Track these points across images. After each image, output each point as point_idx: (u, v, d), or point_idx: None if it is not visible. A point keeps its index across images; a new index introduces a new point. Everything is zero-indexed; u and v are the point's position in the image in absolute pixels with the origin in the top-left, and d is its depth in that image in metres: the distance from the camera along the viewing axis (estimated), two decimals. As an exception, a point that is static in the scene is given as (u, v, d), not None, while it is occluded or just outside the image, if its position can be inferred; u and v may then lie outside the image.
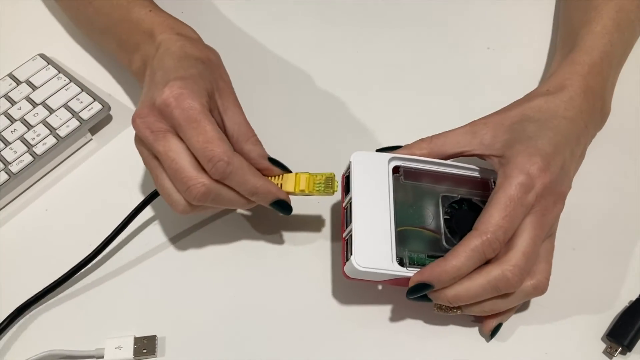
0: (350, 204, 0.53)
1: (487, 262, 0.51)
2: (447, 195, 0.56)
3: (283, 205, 0.55)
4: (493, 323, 0.55)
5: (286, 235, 0.61)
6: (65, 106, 0.67)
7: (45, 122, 0.66)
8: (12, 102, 0.67)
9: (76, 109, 0.66)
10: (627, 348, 0.54)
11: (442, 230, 0.54)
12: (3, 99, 0.68)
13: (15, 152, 0.64)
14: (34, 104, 0.67)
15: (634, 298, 0.57)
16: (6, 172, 0.62)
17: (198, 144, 0.51)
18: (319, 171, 0.56)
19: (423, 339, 0.56)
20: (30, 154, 0.64)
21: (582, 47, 0.59)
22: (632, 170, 0.64)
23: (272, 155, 0.56)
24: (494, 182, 0.56)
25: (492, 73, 0.72)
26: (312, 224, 0.62)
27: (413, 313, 0.57)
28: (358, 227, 0.52)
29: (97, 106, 0.67)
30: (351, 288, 0.57)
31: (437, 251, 0.53)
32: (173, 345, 0.56)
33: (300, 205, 0.57)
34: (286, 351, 0.55)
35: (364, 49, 0.74)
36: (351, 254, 0.51)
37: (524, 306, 0.57)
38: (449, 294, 0.51)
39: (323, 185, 0.55)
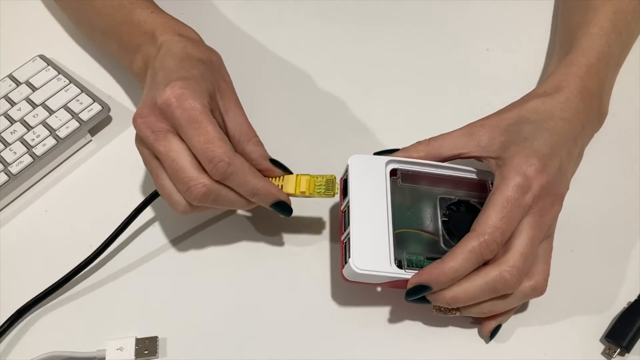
0: (348, 207, 0.53)
1: (486, 264, 0.51)
2: (444, 197, 0.56)
3: (283, 207, 0.55)
4: (492, 324, 0.55)
5: (286, 236, 0.61)
6: (65, 107, 0.67)
7: (45, 123, 0.66)
8: (12, 103, 0.67)
9: (76, 110, 0.67)
10: (626, 349, 0.54)
11: (440, 232, 0.54)
12: (3, 100, 0.68)
13: (15, 153, 0.64)
14: (34, 105, 0.67)
15: (632, 299, 0.57)
16: (6, 173, 0.63)
17: (199, 144, 0.51)
18: (318, 172, 0.56)
19: (422, 340, 0.56)
20: (30, 155, 0.64)
21: (579, 49, 0.59)
22: (631, 171, 0.64)
23: (272, 156, 0.56)
24: (492, 184, 0.56)
25: (490, 74, 0.72)
26: (311, 225, 0.62)
27: (412, 314, 0.57)
28: (356, 230, 0.52)
29: (96, 107, 0.67)
30: (350, 289, 0.57)
31: (435, 253, 0.53)
32: (174, 346, 0.56)
33: (299, 207, 0.58)
34: (286, 352, 0.55)
35: (363, 50, 0.74)
36: (349, 257, 0.51)
37: (522, 307, 0.57)
38: (448, 296, 0.51)
39: (324, 187, 0.55)
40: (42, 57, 0.71)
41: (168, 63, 0.56)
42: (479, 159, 0.55)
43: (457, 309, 0.53)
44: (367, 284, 0.53)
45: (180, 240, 0.62)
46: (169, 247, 0.61)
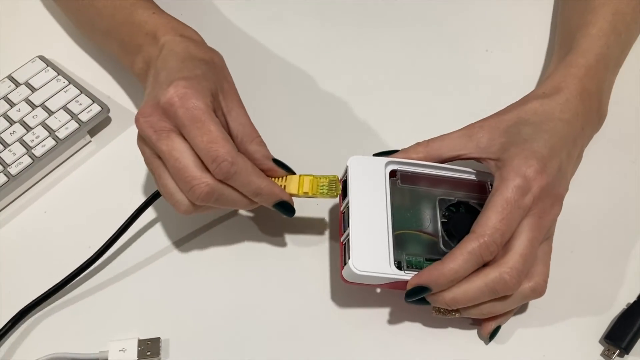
0: (348, 208, 0.53)
1: (485, 265, 0.51)
2: (444, 198, 0.56)
3: (286, 207, 0.55)
4: (492, 326, 0.55)
5: (285, 238, 0.61)
6: (65, 108, 0.67)
7: (44, 124, 0.66)
8: (11, 104, 0.67)
9: (75, 111, 0.67)
10: (625, 350, 0.54)
11: (440, 234, 0.54)
12: (2, 100, 0.68)
13: (14, 154, 0.64)
14: (33, 106, 0.67)
15: (631, 300, 0.57)
16: (5, 174, 0.62)
17: (202, 143, 0.51)
18: (316, 172, 0.56)
19: (422, 341, 0.56)
20: (29, 156, 0.64)
21: (578, 50, 0.59)
22: (631, 172, 0.64)
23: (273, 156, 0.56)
24: (491, 185, 0.56)
25: (490, 75, 0.72)
26: (311, 226, 0.62)
27: (412, 316, 0.57)
28: (355, 231, 0.52)
29: (96, 108, 0.67)
30: (350, 290, 0.57)
31: (435, 254, 0.53)
32: (177, 347, 0.56)
33: (299, 208, 0.57)
34: (286, 352, 0.55)
35: (363, 50, 0.74)
36: (349, 258, 0.51)
37: (522, 308, 0.57)
38: (447, 297, 0.51)
39: (326, 188, 0.55)
40: (41, 58, 0.71)
41: (170, 63, 0.56)
42: (478, 160, 0.55)
43: (457, 310, 0.53)
44: (367, 285, 0.53)
45: (182, 241, 0.62)
46: (171, 248, 0.61)
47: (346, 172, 0.55)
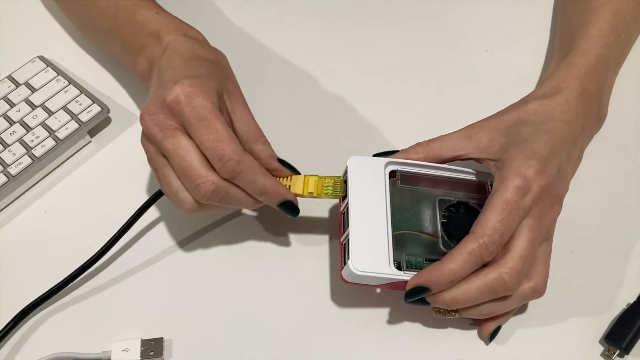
0: (348, 208, 0.53)
1: (485, 265, 0.51)
2: (444, 198, 0.56)
3: (290, 207, 0.55)
4: (492, 326, 0.55)
5: (285, 238, 0.61)
6: (64, 108, 0.67)
7: (44, 124, 0.66)
8: (11, 104, 0.67)
9: (75, 111, 0.67)
10: (625, 351, 0.54)
11: (440, 234, 0.54)
12: (2, 101, 0.68)
13: (14, 154, 0.64)
14: (33, 106, 0.67)
15: (632, 300, 0.57)
16: (5, 175, 0.62)
17: (208, 142, 0.51)
18: (316, 172, 0.57)
19: (421, 341, 0.56)
20: (29, 156, 0.64)
21: (578, 50, 0.59)
22: (631, 172, 0.64)
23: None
24: (491, 186, 0.56)
25: (490, 76, 0.72)
26: (311, 227, 0.62)
27: (411, 316, 0.57)
28: (355, 231, 0.52)
29: (96, 108, 0.67)
30: (350, 291, 0.57)
31: (435, 254, 0.53)
32: (180, 347, 0.56)
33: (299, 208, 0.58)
34: (288, 352, 0.56)
35: (363, 50, 0.74)
36: (348, 258, 0.51)
37: (522, 309, 0.57)
38: (447, 297, 0.51)
39: (331, 189, 0.56)
40: (41, 58, 0.71)
41: (175, 62, 0.56)
42: (478, 160, 0.55)
43: (457, 311, 0.53)
44: (367, 286, 0.53)
45: (184, 241, 0.62)
46: (173, 248, 0.61)
47: (346, 172, 0.55)
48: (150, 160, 0.55)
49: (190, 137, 0.52)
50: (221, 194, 0.51)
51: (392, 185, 0.55)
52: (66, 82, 0.69)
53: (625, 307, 0.57)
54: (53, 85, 0.69)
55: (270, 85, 0.71)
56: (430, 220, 0.55)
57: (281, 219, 0.62)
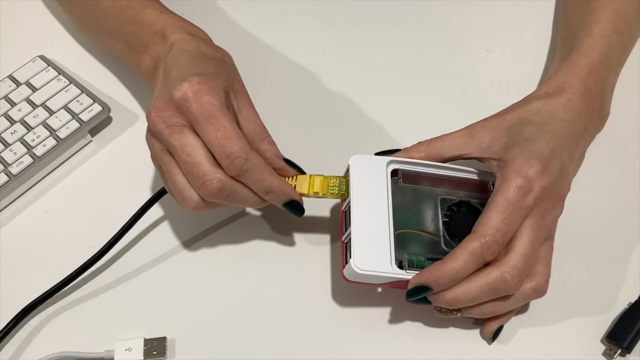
0: (349, 207, 0.53)
1: (487, 265, 0.51)
2: (445, 198, 0.56)
3: (296, 207, 0.55)
4: (494, 326, 0.55)
5: (287, 237, 0.61)
6: (65, 108, 0.67)
7: (45, 124, 0.66)
8: (12, 104, 0.67)
9: (76, 111, 0.66)
10: (627, 350, 0.54)
11: (441, 233, 0.54)
12: (3, 100, 0.68)
13: (15, 153, 0.64)
14: (34, 106, 0.67)
15: (633, 300, 0.57)
16: (6, 174, 0.62)
17: (216, 140, 0.50)
18: (317, 171, 0.57)
19: (423, 341, 0.56)
20: (30, 156, 0.64)
21: (580, 50, 0.59)
22: (632, 172, 0.64)
23: None
24: (493, 185, 0.56)
25: (491, 75, 0.72)
26: (312, 226, 0.62)
27: (413, 315, 0.57)
28: (357, 230, 0.52)
29: (97, 108, 0.67)
30: (351, 290, 0.57)
31: (436, 254, 0.53)
32: (183, 346, 0.56)
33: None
34: (289, 351, 0.56)
35: (364, 50, 0.74)
36: (350, 257, 0.51)
37: (523, 308, 0.57)
38: (448, 297, 0.51)
39: (337, 189, 0.56)
40: (42, 57, 0.71)
41: (182, 61, 0.55)
42: (480, 159, 0.55)
43: (458, 310, 0.53)
44: (368, 285, 0.53)
45: (187, 241, 0.62)
46: (176, 248, 0.61)
47: (348, 171, 0.55)
48: (155, 158, 0.55)
49: (197, 135, 0.51)
50: (227, 192, 0.51)
51: (394, 184, 0.55)
52: (67, 82, 0.69)
53: (627, 307, 0.57)
54: (54, 85, 0.69)
55: (271, 85, 0.71)
56: (432, 219, 0.55)
57: (282, 218, 0.62)
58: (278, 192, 0.53)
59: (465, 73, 0.72)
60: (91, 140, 0.68)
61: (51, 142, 0.64)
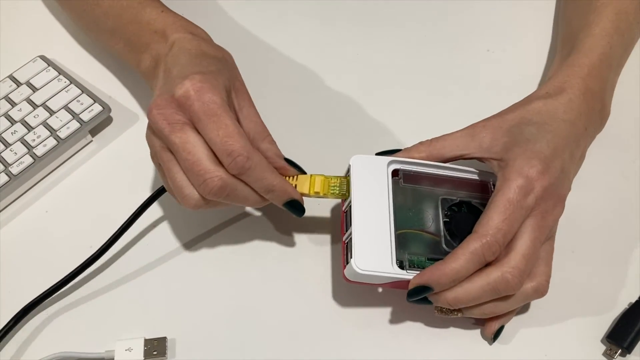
0: (350, 207, 0.53)
1: (488, 265, 0.51)
2: (446, 198, 0.56)
3: (296, 206, 0.55)
4: (495, 326, 0.55)
5: (287, 237, 0.61)
6: (66, 108, 0.67)
7: (45, 124, 0.66)
8: (13, 104, 0.67)
9: (77, 111, 0.66)
10: (627, 350, 0.54)
11: (442, 233, 0.54)
12: (3, 100, 0.68)
13: (15, 153, 0.64)
14: (35, 106, 0.67)
15: (633, 300, 0.57)
16: (6, 174, 0.62)
17: (218, 137, 0.50)
18: (318, 171, 0.56)
19: (424, 341, 0.56)
20: (30, 156, 0.64)
21: (581, 50, 0.59)
22: (632, 172, 0.65)
23: None
24: (494, 185, 0.56)
25: (491, 75, 0.72)
26: (313, 226, 0.62)
27: (414, 315, 0.57)
28: (358, 230, 0.52)
29: (97, 108, 0.67)
30: (352, 290, 0.57)
31: (437, 254, 0.53)
32: (183, 346, 0.56)
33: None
34: (290, 351, 0.56)
35: (364, 50, 0.74)
36: (351, 257, 0.51)
37: (524, 308, 0.57)
38: (449, 297, 0.51)
39: (337, 189, 0.56)
40: (42, 57, 0.71)
41: (183, 59, 0.55)
42: (480, 160, 0.55)
43: (459, 310, 0.53)
44: (369, 285, 0.53)
45: (187, 241, 0.62)
46: (177, 248, 0.61)
47: (348, 171, 0.55)
48: (155, 156, 0.54)
49: (198, 133, 0.51)
50: (228, 190, 0.51)
51: (395, 184, 0.55)
52: (67, 82, 0.69)
53: (627, 307, 0.57)
54: (54, 85, 0.68)
55: (271, 85, 0.71)
56: (433, 219, 0.55)
57: (283, 219, 0.62)
58: (279, 191, 0.53)
59: (465, 73, 0.72)
60: (91, 140, 0.68)
61: (51, 142, 0.64)
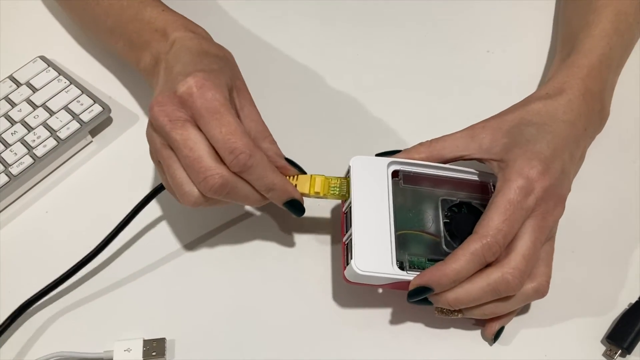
0: (350, 208, 0.53)
1: (488, 266, 0.51)
2: (446, 199, 0.56)
3: (296, 206, 0.55)
4: (495, 327, 0.55)
5: (287, 238, 0.61)
6: (66, 108, 0.67)
7: (45, 124, 0.66)
8: (13, 104, 0.67)
9: (76, 111, 0.66)
10: (627, 350, 0.54)
11: (442, 234, 0.54)
12: (3, 101, 0.67)
13: (15, 154, 0.64)
14: (35, 106, 0.67)
15: (633, 300, 0.57)
16: (6, 174, 0.62)
17: (220, 135, 0.50)
18: (318, 172, 0.56)
19: (424, 341, 0.56)
20: (30, 156, 0.64)
21: (580, 50, 0.59)
22: (632, 172, 0.65)
23: None
24: (493, 186, 0.56)
25: (491, 76, 0.72)
26: (313, 227, 0.62)
27: (414, 316, 0.57)
28: (358, 231, 0.52)
29: (97, 108, 0.67)
30: (352, 290, 0.57)
31: (437, 255, 0.53)
32: (182, 347, 0.56)
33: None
34: (289, 352, 0.56)
35: (363, 51, 0.74)
36: (351, 258, 0.51)
37: (524, 309, 0.57)
38: (450, 297, 0.51)
39: (338, 189, 0.56)
40: (42, 58, 0.71)
41: (184, 57, 0.55)
42: (480, 161, 0.55)
43: (459, 311, 0.53)
44: (369, 285, 0.53)
45: (187, 242, 0.62)
46: (176, 249, 0.61)
47: (348, 172, 0.55)
48: (154, 153, 0.54)
49: (200, 130, 0.51)
50: (229, 188, 0.51)
51: (395, 185, 0.55)
52: (67, 82, 0.69)
53: (627, 307, 0.57)
54: (54, 85, 0.68)
55: (271, 86, 0.71)
56: (433, 220, 0.55)
57: (283, 219, 0.62)
58: (280, 190, 0.53)
59: (465, 73, 0.72)
60: (91, 141, 0.68)
61: (51, 142, 0.64)
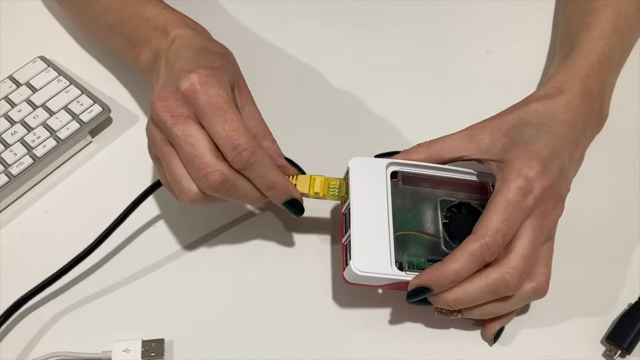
0: (349, 209, 0.53)
1: (487, 266, 0.51)
2: (445, 199, 0.56)
3: (296, 206, 0.55)
4: (495, 327, 0.55)
5: (287, 239, 0.61)
6: (66, 108, 0.67)
7: (45, 125, 0.66)
8: (12, 105, 0.67)
9: (76, 112, 0.66)
10: (627, 351, 0.54)
11: (441, 234, 0.54)
12: (3, 101, 0.67)
13: (15, 154, 0.64)
14: (34, 106, 0.67)
15: (633, 300, 0.57)
16: (6, 175, 0.62)
17: (223, 131, 0.50)
18: (317, 172, 0.56)
19: (423, 342, 0.56)
20: (30, 156, 0.64)
21: (580, 51, 0.59)
22: (632, 172, 0.65)
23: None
24: (492, 186, 0.56)
25: (491, 76, 0.72)
26: (312, 227, 0.62)
27: (413, 316, 0.57)
28: (357, 232, 0.52)
29: (97, 109, 0.67)
30: (351, 291, 0.57)
31: (437, 255, 0.53)
32: (181, 348, 0.56)
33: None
34: (289, 353, 0.56)
35: (363, 51, 0.74)
36: (350, 259, 0.51)
37: (523, 309, 0.57)
38: (449, 298, 0.51)
39: (337, 190, 0.56)
40: (42, 58, 0.71)
41: (186, 54, 0.55)
42: (479, 161, 0.55)
43: (459, 311, 0.53)
44: (368, 286, 0.53)
45: (186, 242, 0.62)
46: (174, 249, 0.61)
47: (347, 173, 0.55)
48: (154, 148, 0.54)
49: (201, 127, 0.51)
50: (229, 185, 0.50)
51: (394, 186, 0.55)
52: (67, 83, 0.69)
53: (627, 307, 0.57)
54: (54, 86, 0.68)
55: (271, 86, 0.71)
56: (432, 220, 0.55)
57: (282, 219, 0.62)
58: (281, 188, 0.53)
59: (465, 74, 0.72)
60: (91, 141, 0.68)
61: (51, 142, 0.64)
